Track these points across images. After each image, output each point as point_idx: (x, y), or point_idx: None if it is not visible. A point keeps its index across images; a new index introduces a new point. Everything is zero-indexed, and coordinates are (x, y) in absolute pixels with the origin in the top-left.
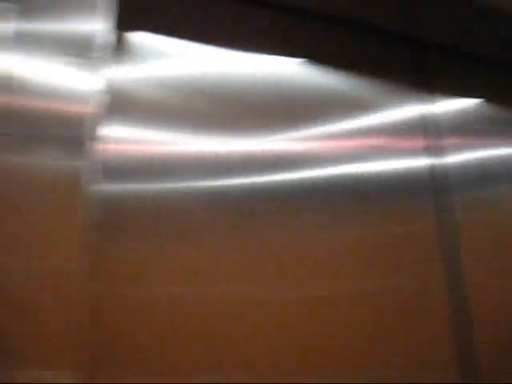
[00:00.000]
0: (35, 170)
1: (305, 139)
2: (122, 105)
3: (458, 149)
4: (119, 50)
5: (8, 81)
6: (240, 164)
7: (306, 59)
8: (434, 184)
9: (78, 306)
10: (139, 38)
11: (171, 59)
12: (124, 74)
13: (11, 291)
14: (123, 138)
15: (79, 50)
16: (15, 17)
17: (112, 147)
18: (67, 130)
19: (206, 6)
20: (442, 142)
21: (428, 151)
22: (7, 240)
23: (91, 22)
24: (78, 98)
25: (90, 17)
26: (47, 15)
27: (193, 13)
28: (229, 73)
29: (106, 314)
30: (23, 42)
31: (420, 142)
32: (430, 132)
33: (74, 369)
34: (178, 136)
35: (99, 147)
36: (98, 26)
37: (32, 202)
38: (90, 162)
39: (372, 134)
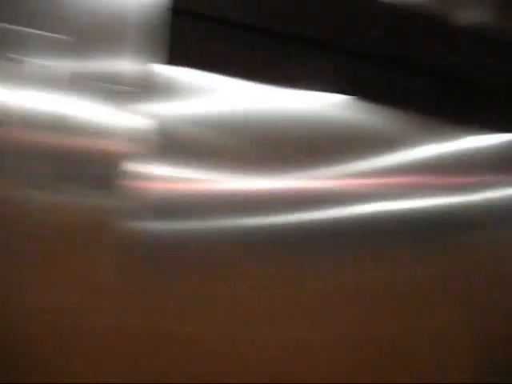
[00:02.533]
0: (67, 208)
1: (351, 176)
2: (159, 142)
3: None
4: (157, 86)
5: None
6: (275, 202)
7: (351, 97)
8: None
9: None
10: (178, 74)
11: (210, 96)
12: (160, 111)
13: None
14: (159, 176)
15: (115, 85)
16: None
17: (147, 185)
18: (99, 168)
19: (250, 42)
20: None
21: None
22: (35, 278)
23: (125, 58)
24: (113, 136)
25: (126, 53)
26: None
27: (236, 49)
28: (272, 110)
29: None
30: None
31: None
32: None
33: None
34: (215, 174)
35: (133, 185)
36: (133, 62)
37: (62, 241)
38: (123, 199)
39: (409, 172)
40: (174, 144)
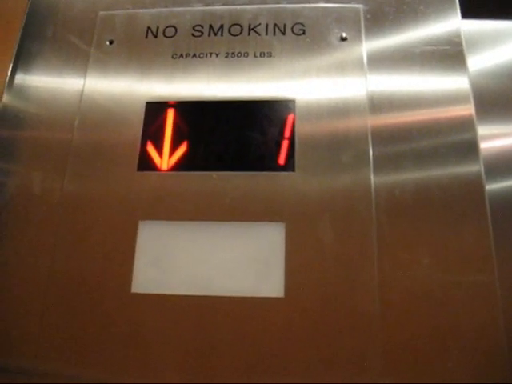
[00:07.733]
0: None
1: None
2: (484, 99)
3: None
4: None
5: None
6: None
7: None
8: None
9: None
10: (475, 26)
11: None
12: (473, 66)
13: None
14: (490, 135)
15: (431, 47)
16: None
17: (489, 144)
18: (457, 135)
19: None
20: None
21: None
22: None
23: (442, 17)
24: (455, 100)
25: (424, 14)
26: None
27: None
28: None
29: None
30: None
31: None
32: None
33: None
34: None
35: (484, 146)
36: (434, 22)
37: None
38: (481, 162)
39: None
40: (495, 99)
